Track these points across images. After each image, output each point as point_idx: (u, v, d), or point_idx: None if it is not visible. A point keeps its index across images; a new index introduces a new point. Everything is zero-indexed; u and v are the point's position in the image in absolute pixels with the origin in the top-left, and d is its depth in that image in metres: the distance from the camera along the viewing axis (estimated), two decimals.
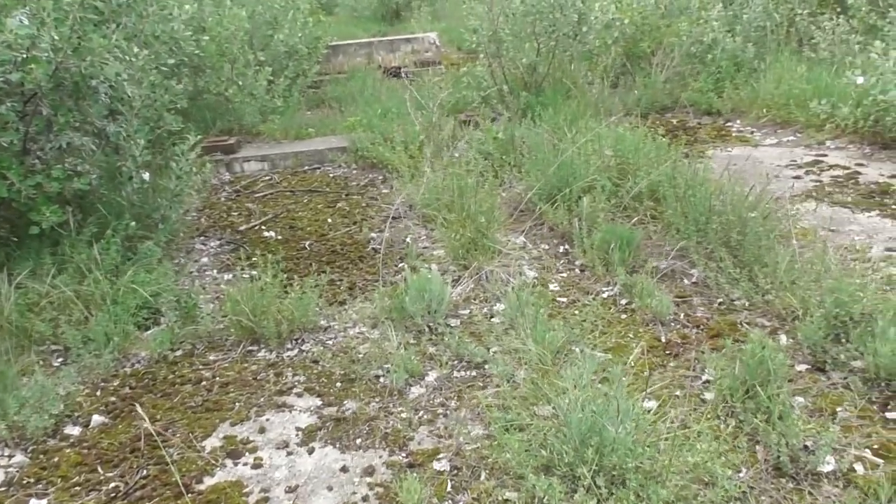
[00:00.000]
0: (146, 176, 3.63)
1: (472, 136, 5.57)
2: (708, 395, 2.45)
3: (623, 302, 3.20)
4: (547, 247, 3.88)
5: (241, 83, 6.55)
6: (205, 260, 4.06)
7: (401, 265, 3.78)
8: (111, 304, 3.05)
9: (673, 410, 2.34)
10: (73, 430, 2.55)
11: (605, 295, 3.30)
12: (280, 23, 7.79)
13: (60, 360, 2.99)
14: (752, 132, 5.95)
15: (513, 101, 6.20)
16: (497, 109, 6.21)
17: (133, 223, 3.52)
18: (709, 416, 2.31)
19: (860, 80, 5.24)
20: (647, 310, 3.06)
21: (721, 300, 3.13)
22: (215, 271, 3.89)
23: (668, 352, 2.77)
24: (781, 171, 4.75)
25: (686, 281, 3.35)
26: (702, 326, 2.95)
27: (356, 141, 5.79)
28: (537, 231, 4.03)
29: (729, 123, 6.25)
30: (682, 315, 3.05)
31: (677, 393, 2.48)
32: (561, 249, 3.83)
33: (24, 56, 3.22)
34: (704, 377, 2.57)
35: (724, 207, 3.37)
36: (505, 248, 3.70)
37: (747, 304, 3.04)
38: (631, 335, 2.93)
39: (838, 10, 6.90)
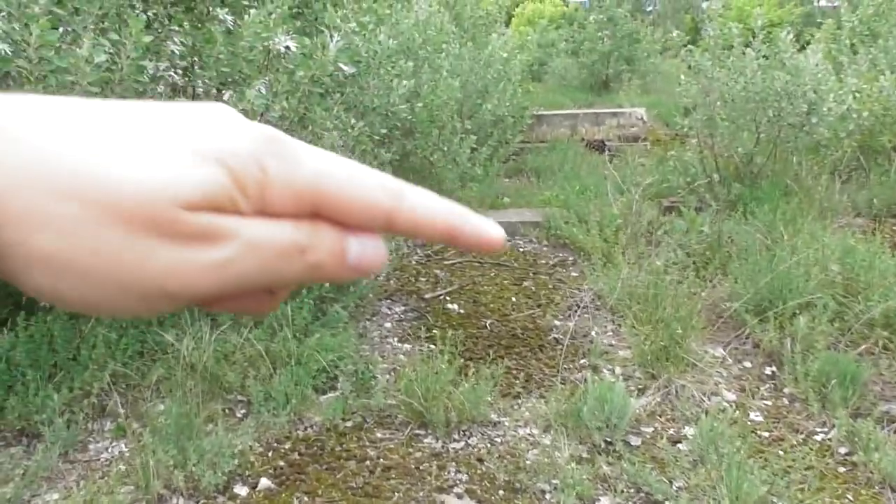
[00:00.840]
0: None
1: (674, 227, 5.24)
2: None
3: (842, 451, 2.73)
4: (750, 365, 3.46)
5: (446, 149, 6.75)
6: (388, 325, 4.11)
7: (582, 362, 3.57)
8: (295, 365, 3.14)
9: None
10: (242, 491, 2.61)
11: (818, 437, 2.84)
12: (490, 92, 8.00)
13: (244, 411, 3.11)
14: None
15: (723, 191, 5.78)
16: (705, 199, 5.82)
17: (326, 284, 3.65)
18: None
19: None
20: (873, 467, 2.57)
21: None
22: (395, 339, 3.91)
23: None
24: None
25: None
26: None
27: (550, 217, 5.68)
28: (740, 346, 3.62)
29: None
30: None
31: None
32: (767, 371, 3.40)
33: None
34: None
35: None
36: (701, 361, 3.35)
37: None
38: (850, 497, 2.46)
39: None
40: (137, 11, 3.24)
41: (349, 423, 3.03)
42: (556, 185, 6.73)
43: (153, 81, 3.38)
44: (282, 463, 2.75)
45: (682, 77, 6.37)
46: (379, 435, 2.95)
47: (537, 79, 18.49)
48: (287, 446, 2.87)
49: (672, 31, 13.93)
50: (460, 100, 7.51)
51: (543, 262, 5.24)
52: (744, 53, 5.83)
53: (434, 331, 4.01)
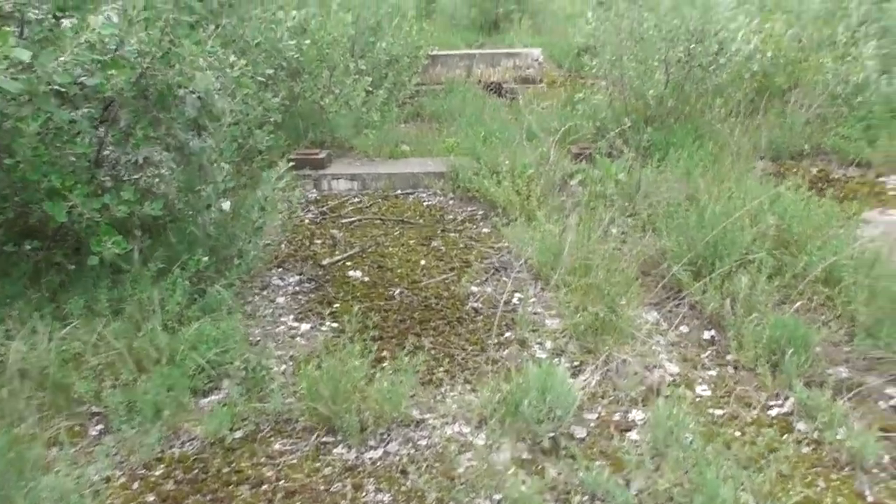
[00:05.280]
0: (226, 205, 3.13)
1: (589, 175, 4.89)
2: None
3: (801, 427, 2.47)
4: (687, 329, 3.18)
5: (338, 91, 6.08)
6: (281, 301, 3.54)
7: (507, 335, 3.16)
8: (167, 365, 2.54)
9: None
10: None
11: (772, 413, 2.58)
12: (384, 29, 7.33)
13: (99, 428, 2.49)
14: None
15: (634, 136, 5.49)
16: (615, 145, 5.50)
17: (205, 258, 3.02)
18: None
19: None
20: (839, 446, 2.33)
21: None
22: (291, 318, 3.35)
23: None
24: None
25: (883, 405, 2.59)
26: None
27: (457, 168, 5.20)
28: (674, 308, 3.32)
29: (882, 179, 5.35)
30: (886, 458, 2.30)
31: None
32: (706, 336, 3.12)
33: (107, 59, 2.76)
34: None
35: None
36: (639, 330, 3.02)
37: None
38: (821, 483, 2.20)
39: None
40: None
41: (238, 434, 2.47)
42: (459, 132, 6.22)
43: None
44: (151, 498, 2.18)
45: (590, 14, 5.97)
46: (277, 446, 2.42)
47: (425, 17, 17.71)
48: (158, 472, 2.29)
49: None
50: (353, 37, 6.80)
51: (451, 217, 4.77)
52: None
53: (336, 305, 3.48)
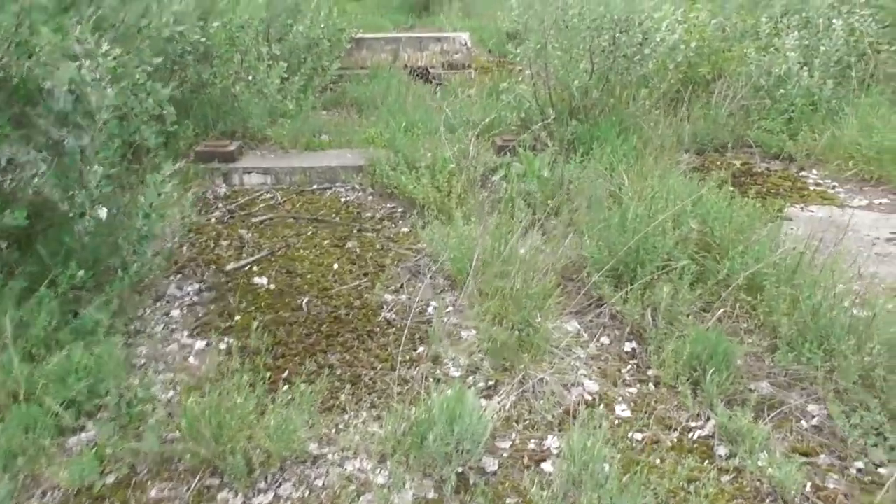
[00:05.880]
0: (102, 213, 2.79)
1: (511, 169, 4.71)
2: None
3: (722, 453, 2.36)
4: (608, 341, 3.04)
5: (250, 78, 5.71)
6: (176, 314, 3.23)
7: (420, 350, 2.96)
8: (25, 402, 2.23)
9: None
10: None
11: (693, 435, 2.46)
12: (302, 11, 6.96)
13: None
14: (833, 187, 5.07)
15: (559, 129, 5.34)
16: (540, 137, 5.35)
17: (81, 272, 2.69)
18: None
19: None
20: (760, 474, 2.22)
21: (861, 465, 2.28)
22: (185, 334, 3.06)
23: None
24: (884, 246, 3.87)
25: (804, 423, 2.50)
26: None
27: (375, 161, 4.94)
28: (595, 318, 3.18)
29: (804, 173, 5.37)
30: (808, 486, 2.21)
31: None
32: (627, 348, 2.99)
33: None
34: None
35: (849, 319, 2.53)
36: (559, 345, 2.86)
37: None
38: None
39: None
40: None
41: (110, 479, 2.20)
42: (380, 120, 5.95)
43: None
44: None
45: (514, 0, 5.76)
46: (154, 493, 2.15)
47: None
48: None
49: None
50: (266, 19, 6.41)
51: (370, 215, 4.52)
52: None
53: (237, 317, 3.21)
